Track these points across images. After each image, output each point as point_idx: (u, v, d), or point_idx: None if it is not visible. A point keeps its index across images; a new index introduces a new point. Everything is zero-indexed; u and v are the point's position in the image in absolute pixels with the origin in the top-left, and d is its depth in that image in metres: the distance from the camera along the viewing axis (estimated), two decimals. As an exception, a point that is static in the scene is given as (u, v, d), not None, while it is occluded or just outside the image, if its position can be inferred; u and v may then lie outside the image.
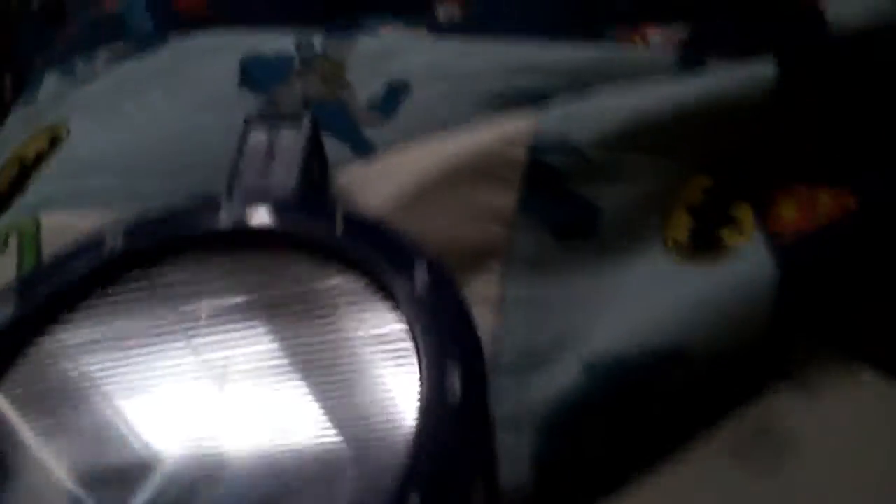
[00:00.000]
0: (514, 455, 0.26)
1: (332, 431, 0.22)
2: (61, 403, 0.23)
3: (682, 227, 0.32)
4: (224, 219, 0.26)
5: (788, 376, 0.29)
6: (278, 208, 0.27)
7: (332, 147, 0.34)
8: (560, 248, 0.31)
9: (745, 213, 0.32)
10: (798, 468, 0.26)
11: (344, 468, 0.21)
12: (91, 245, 0.26)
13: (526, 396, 0.28)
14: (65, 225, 0.33)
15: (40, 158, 0.38)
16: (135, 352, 0.24)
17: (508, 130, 0.33)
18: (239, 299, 0.25)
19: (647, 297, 0.30)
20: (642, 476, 0.27)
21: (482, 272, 0.31)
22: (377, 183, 0.32)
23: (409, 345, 0.22)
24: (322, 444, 0.21)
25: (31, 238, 0.33)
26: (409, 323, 0.22)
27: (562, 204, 0.32)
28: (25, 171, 0.38)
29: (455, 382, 0.20)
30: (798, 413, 0.28)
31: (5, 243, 0.33)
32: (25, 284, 0.25)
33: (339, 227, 0.25)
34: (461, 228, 0.31)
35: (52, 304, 0.25)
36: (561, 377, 0.28)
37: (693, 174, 0.33)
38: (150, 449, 0.22)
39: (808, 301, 0.30)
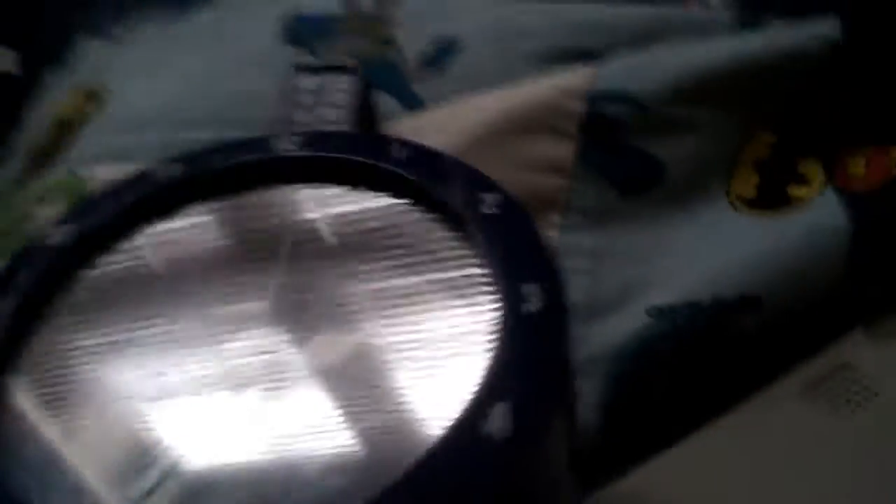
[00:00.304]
0: (581, 401, 0.25)
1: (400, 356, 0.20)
2: (110, 333, 0.22)
3: (748, 182, 0.31)
4: (278, 150, 0.25)
5: (863, 325, 0.28)
6: (332, 143, 0.26)
7: (382, 102, 0.33)
8: (621, 201, 0.30)
9: (814, 169, 0.31)
10: (873, 410, 0.25)
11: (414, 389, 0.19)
12: (146, 174, 0.25)
13: (591, 343, 0.27)
14: (109, 179, 0.32)
15: (81, 118, 0.37)
16: (191, 283, 0.23)
17: (565, 82, 0.32)
18: (297, 231, 0.24)
19: (713, 249, 0.29)
20: (711, 420, 0.26)
21: (540, 224, 0.29)
22: (429, 134, 0.31)
23: (482, 269, 0.21)
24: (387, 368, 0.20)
25: (77, 191, 0.32)
26: (480, 245, 0.21)
27: (622, 156, 0.31)
28: (66, 131, 0.37)
29: (534, 296, 0.19)
30: (873, 358, 0.27)
31: (51, 198, 0.33)
32: (79, 212, 0.24)
33: (400, 156, 0.24)
34: (517, 180, 0.30)
35: (104, 231, 0.24)
36: (627, 323, 0.27)
37: (757, 130, 0.32)
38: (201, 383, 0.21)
39: (882, 254, 0.29)
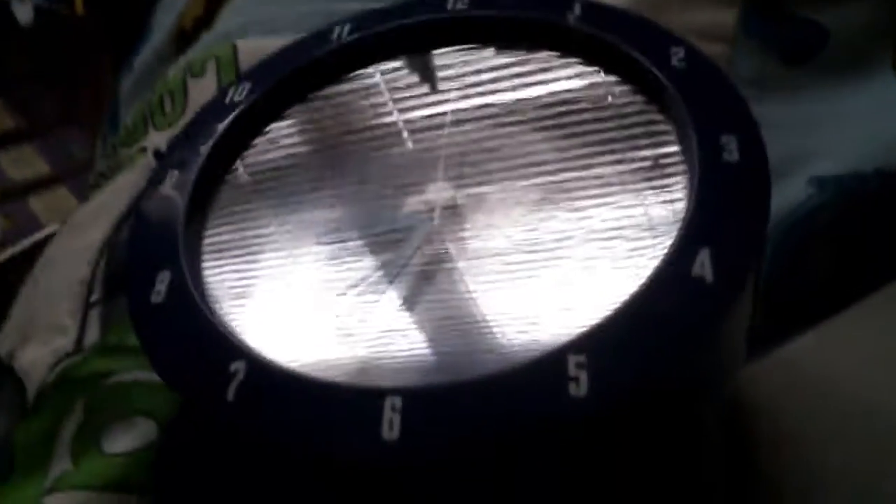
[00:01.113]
0: None
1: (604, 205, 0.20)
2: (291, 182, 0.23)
3: None
4: (454, 9, 0.25)
5: None
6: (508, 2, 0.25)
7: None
8: (783, 69, 0.30)
9: None
10: None
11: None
12: (319, 35, 0.25)
13: None
14: (261, 47, 0.32)
15: (227, -7, 0.37)
16: (362, 144, 0.23)
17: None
18: (477, 96, 0.23)
19: (878, 120, 0.28)
20: (871, 292, 0.26)
21: None
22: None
23: (671, 125, 0.21)
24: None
25: (229, 60, 0.33)
26: (674, 100, 0.20)
27: (786, 25, 0.30)
28: (212, 6, 0.38)
29: (732, 145, 0.19)
30: None
31: (202, 69, 0.33)
32: (257, 72, 0.25)
33: (580, 13, 0.23)
34: None
35: (282, 91, 0.24)
36: (789, 193, 0.27)
37: None
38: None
39: None
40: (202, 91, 0.32)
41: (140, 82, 0.40)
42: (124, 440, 0.24)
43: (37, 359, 0.28)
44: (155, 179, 0.23)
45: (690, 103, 0.20)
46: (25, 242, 0.67)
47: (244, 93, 0.24)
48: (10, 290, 0.33)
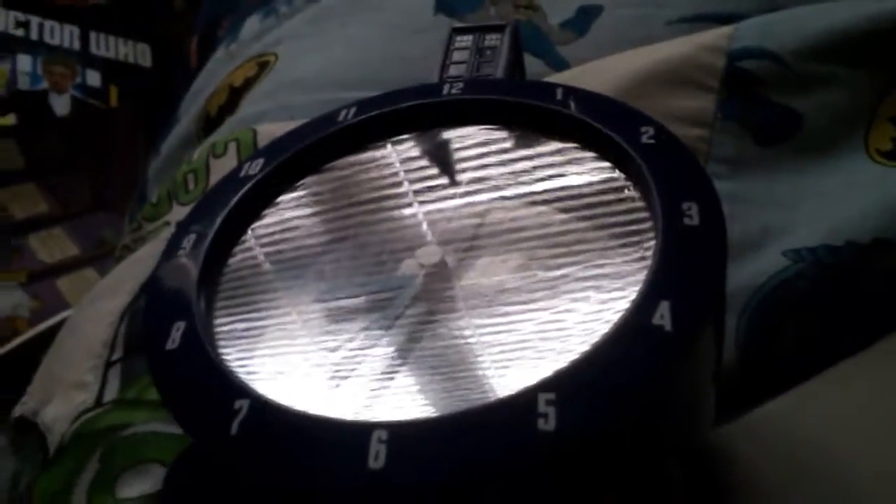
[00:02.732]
0: None
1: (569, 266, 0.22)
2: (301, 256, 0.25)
3: (885, 136, 0.32)
4: (448, 94, 0.27)
5: None
6: (495, 87, 0.28)
7: (529, 63, 0.35)
8: (760, 150, 0.32)
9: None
10: None
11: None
12: (326, 117, 0.28)
13: (729, 283, 0.28)
14: (277, 130, 0.34)
15: (250, 83, 0.40)
16: (366, 214, 0.26)
17: (706, 39, 0.34)
18: (470, 170, 0.26)
19: (849, 196, 0.30)
20: (844, 358, 0.27)
21: None
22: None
23: (637, 192, 0.23)
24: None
25: (249, 143, 0.36)
26: (642, 171, 0.23)
27: (761, 109, 0.32)
28: (235, 95, 0.41)
29: (693, 212, 0.21)
30: None
31: (224, 149, 0.36)
32: (269, 149, 0.27)
33: (562, 98, 0.26)
34: None
35: (292, 166, 0.27)
36: (764, 265, 0.29)
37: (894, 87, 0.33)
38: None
39: None
40: (223, 170, 0.35)
41: (166, 164, 0.43)
42: (137, 485, 0.26)
43: (59, 415, 0.30)
44: (173, 244, 0.25)
45: (656, 174, 0.22)
46: (51, 321, 0.69)
47: (257, 167, 0.27)
48: (38, 367, 0.35)
